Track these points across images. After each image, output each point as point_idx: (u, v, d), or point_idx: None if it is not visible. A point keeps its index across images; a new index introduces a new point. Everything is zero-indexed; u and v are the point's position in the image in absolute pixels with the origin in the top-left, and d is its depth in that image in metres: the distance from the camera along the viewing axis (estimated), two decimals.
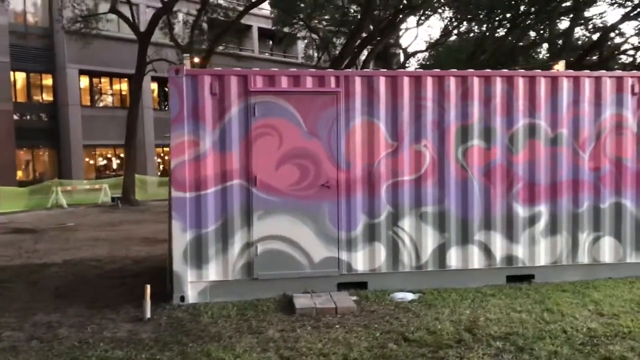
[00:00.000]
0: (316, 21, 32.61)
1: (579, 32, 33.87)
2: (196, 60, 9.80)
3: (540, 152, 7.57)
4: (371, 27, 26.92)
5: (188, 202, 6.87)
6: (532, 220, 7.59)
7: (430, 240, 7.40)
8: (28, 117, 32.15)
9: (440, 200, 7.41)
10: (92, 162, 34.66)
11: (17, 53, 30.56)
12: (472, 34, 35.14)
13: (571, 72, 7.75)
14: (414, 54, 40.81)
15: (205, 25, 28.28)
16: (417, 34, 75.74)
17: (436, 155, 7.39)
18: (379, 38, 26.03)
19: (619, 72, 7.82)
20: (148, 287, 6.37)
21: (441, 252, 7.43)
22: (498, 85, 7.46)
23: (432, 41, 40.60)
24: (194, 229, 6.91)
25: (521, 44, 33.84)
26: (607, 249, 7.76)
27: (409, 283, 7.34)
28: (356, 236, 7.25)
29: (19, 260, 10.53)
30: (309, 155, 7.11)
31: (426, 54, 44.15)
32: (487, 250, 7.51)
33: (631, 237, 7.79)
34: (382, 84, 7.25)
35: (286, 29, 33.73)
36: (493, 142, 7.48)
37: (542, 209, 7.60)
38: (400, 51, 40.84)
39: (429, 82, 7.34)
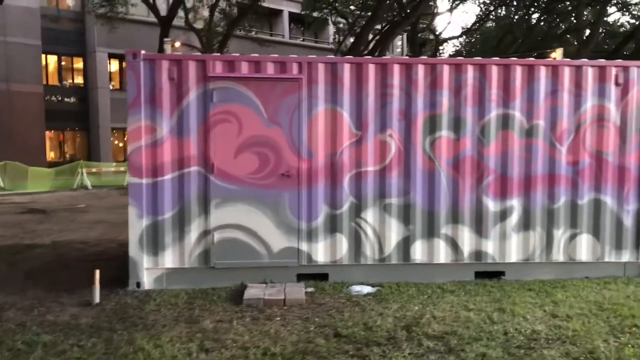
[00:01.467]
0: (344, 5, 32.23)
1: (622, 19, 32.76)
2: (177, 44, 9.73)
3: (513, 144, 7.25)
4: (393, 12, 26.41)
5: (144, 189, 6.83)
6: (503, 215, 7.29)
7: (394, 233, 7.19)
8: (59, 99, 32.87)
9: (405, 192, 7.18)
10: (120, 144, 35.28)
11: (49, 36, 31.21)
12: (509, 19, 34.18)
13: (550, 60, 7.39)
14: (445, 40, 39.97)
15: (234, 10, 28.18)
16: (450, 20, 73.85)
17: (402, 145, 7.15)
18: (396, 22, 25.43)
19: (602, 61, 7.39)
20: (97, 272, 6.37)
21: (405, 245, 7.22)
22: (470, 74, 7.16)
23: (467, 27, 39.75)
24: (150, 215, 6.87)
25: (562, 29, 32.78)
26: (585, 247, 7.40)
27: (371, 276, 7.16)
28: (317, 227, 7.10)
29: (11, 241, 10.74)
30: (269, 143, 6.97)
31: (461, 40, 43.27)
32: (454, 245, 7.26)
33: (610, 235, 7.41)
34: (346, 71, 7.04)
35: (315, 14, 33.45)
36: (463, 133, 7.19)
37: (515, 203, 7.29)
38: (433, 37, 39.96)
39: (396, 70, 7.09)
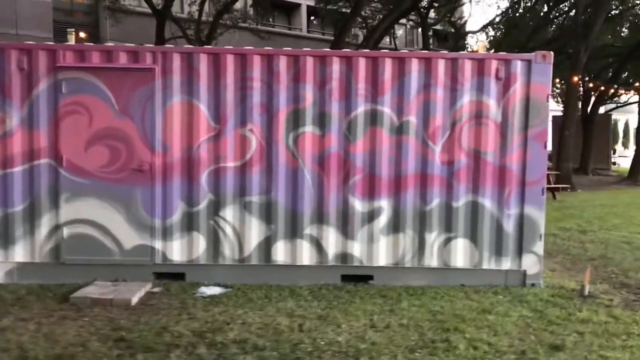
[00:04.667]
0: None
1: None
2: (82, 35, 9.42)
3: (382, 142, 6.81)
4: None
5: None
6: (371, 216, 6.87)
7: (254, 232, 6.87)
8: None
9: (267, 190, 6.84)
10: None
11: (62, 29, 31.72)
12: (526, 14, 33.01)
13: (424, 52, 6.90)
14: (466, 34, 38.86)
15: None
16: (470, 13, 71.10)
17: (264, 141, 6.81)
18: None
19: (481, 54, 6.87)
20: None
21: (267, 245, 6.88)
22: (335, 66, 6.76)
23: (489, 21, 38.56)
24: (0, 207, 6.74)
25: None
26: (461, 253, 6.91)
27: (230, 277, 6.86)
28: (172, 224, 6.83)
29: None
30: (121, 136, 6.73)
31: (490, 33, 41.99)
32: (319, 246, 6.88)
33: (490, 241, 6.89)
34: (203, 61, 6.74)
35: (329, 7, 32.96)
36: (328, 128, 6.80)
37: (384, 204, 6.86)
38: (453, 30, 38.87)
39: (256, 61, 6.75)
